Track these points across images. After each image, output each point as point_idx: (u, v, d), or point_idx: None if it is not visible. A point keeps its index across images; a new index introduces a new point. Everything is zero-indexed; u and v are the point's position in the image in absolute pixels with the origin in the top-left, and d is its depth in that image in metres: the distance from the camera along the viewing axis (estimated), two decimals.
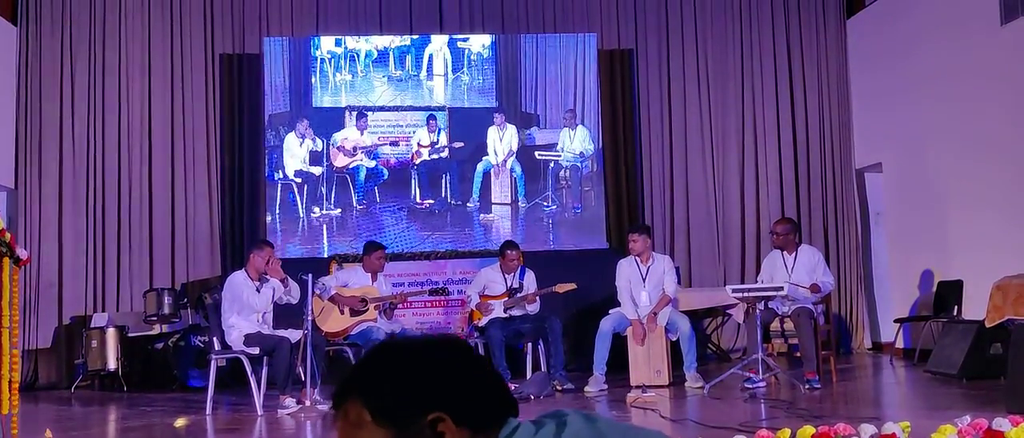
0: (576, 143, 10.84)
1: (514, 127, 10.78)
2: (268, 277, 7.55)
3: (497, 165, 10.75)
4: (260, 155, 10.47)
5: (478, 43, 10.91)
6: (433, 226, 10.70)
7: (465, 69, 10.88)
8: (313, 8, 10.79)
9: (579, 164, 10.82)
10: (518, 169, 10.76)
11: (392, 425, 1.37)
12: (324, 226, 10.56)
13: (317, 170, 10.54)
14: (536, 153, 10.82)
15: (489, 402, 1.42)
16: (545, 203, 10.79)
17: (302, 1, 10.77)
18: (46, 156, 10.18)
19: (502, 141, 10.77)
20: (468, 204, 10.74)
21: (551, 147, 10.85)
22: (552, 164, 10.81)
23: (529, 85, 10.91)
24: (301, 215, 10.56)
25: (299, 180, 10.54)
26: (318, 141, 10.53)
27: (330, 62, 10.70)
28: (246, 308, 7.45)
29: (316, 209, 10.53)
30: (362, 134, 10.62)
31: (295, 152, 10.52)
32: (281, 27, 10.72)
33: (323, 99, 10.66)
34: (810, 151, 11.13)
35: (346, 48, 10.76)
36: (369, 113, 10.66)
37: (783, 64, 11.20)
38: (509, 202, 10.79)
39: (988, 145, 8.81)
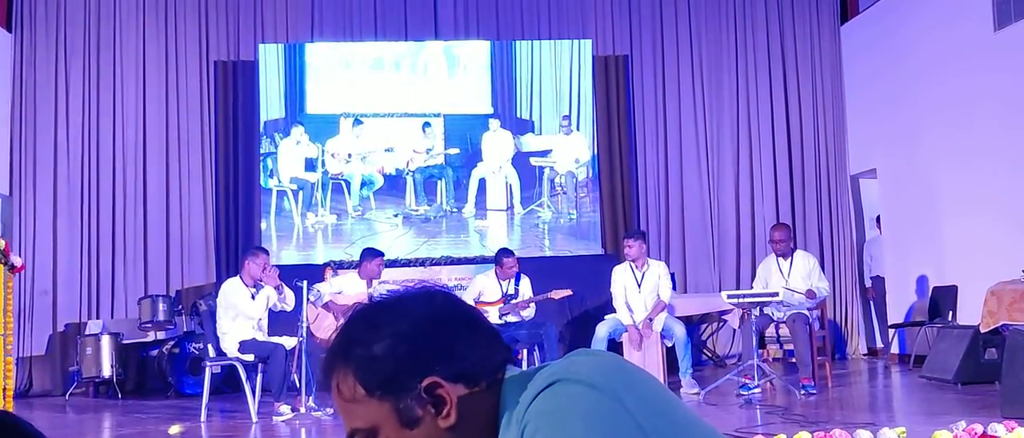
0: (571, 149, 10.81)
1: (509, 133, 10.75)
2: (263, 284, 7.54)
3: (492, 171, 10.73)
4: (255, 161, 10.46)
5: (473, 49, 10.89)
6: (428, 232, 10.64)
7: (460, 75, 10.83)
8: (308, 14, 10.79)
9: (574, 170, 10.79)
10: (513, 175, 10.73)
11: (388, 397, 1.34)
12: (319, 233, 10.52)
13: (312, 177, 10.50)
14: (531, 159, 10.78)
15: (480, 352, 1.38)
16: (540, 209, 10.77)
17: (297, 7, 10.77)
18: (41, 162, 10.15)
19: (497, 147, 10.74)
20: (464, 211, 10.70)
21: (546, 153, 10.82)
22: (547, 170, 10.78)
23: (524, 91, 10.88)
24: (296, 222, 10.51)
25: (294, 187, 10.51)
26: (313, 147, 10.50)
27: (325, 69, 10.68)
28: (241, 315, 7.44)
29: (311, 216, 10.49)
30: (357, 140, 10.60)
31: (290, 159, 10.48)
32: (276, 33, 10.71)
33: (318, 106, 10.62)
34: (805, 157, 11.14)
35: (341, 55, 10.73)
36: (364, 120, 10.63)
37: (777, 70, 11.21)
38: (504, 208, 10.76)
39: (982, 150, 8.83)
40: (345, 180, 10.58)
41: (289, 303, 7.63)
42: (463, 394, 1.34)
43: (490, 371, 1.37)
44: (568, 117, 10.84)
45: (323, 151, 10.52)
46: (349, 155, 10.58)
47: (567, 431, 1.22)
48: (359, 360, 1.35)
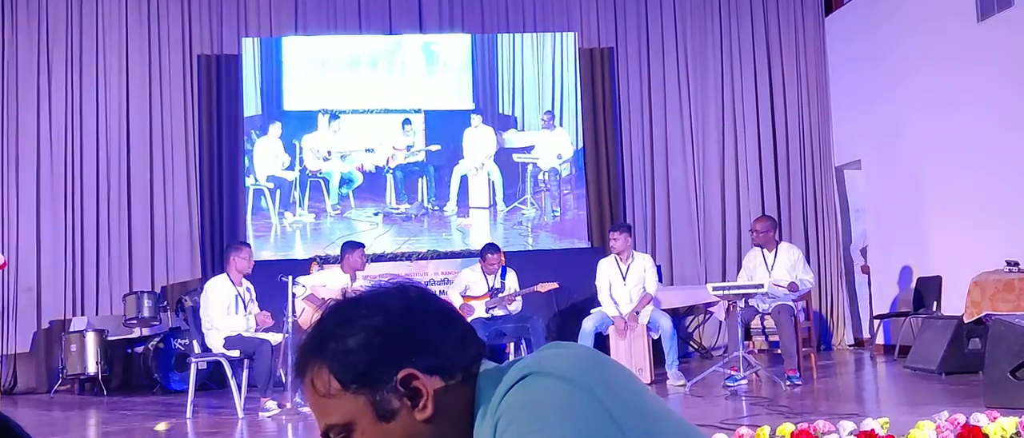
0: (554, 145, 10.66)
1: (491, 129, 10.63)
2: (249, 288, 7.56)
3: (474, 168, 10.58)
4: (239, 157, 10.36)
5: (454, 44, 10.75)
6: (409, 231, 10.41)
7: (440, 71, 10.67)
8: (292, 8, 10.73)
9: (558, 166, 10.63)
10: (496, 172, 10.59)
11: (364, 391, 1.33)
12: (297, 232, 10.28)
13: (289, 175, 10.28)
14: (514, 156, 10.64)
15: (455, 345, 1.38)
16: (523, 207, 10.62)
17: (280, 1, 10.71)
18: (23, 158, 10.09)
19: (479, 144, 10.60)
20: (445, 209, 10.52)
21: (529, 150, 10.66)
22: (530, 167, 10.64)
23: (507, 86, 10.73)
24: (273, 221, 10.24)
25: (271, 185, 10.25)
26: (291, 145, 10.29)
27: (302, 64, 10.48)
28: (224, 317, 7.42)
29: (288, 215, 10.26)
30: (335, 137, 10.41)
31: (266, 156, 10.24)
32: (259, 27, 10.65)
33: (295, 102, 10.41)
34: (790, 148, 11.18)
35: (318, 51, 10.53)
36: (343, 116, 10.46)
37: (762, 62, 11.24)
38: (487, 206, 10.58)
39: (966, 141, 8.88)
40: (323, 178, 10.38)
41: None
42: (439, 387, 1.34)
43: (465, 364, 1.37)
44: (551, 112, 10.71)
45: (300, 148, 10.32)
46: (328, 152, 10.38)
47: (540, 424, 1.22)
48: (334, 354, 1.34)
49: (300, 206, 10.32)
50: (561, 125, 10.72)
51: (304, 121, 10.44)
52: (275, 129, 10.36)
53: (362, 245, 8.39)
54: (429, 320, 1.38)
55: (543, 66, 10.75)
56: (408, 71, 10.64)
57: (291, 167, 10.32)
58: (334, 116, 10.47)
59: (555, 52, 10.75)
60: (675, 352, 8.11)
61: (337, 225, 10.30)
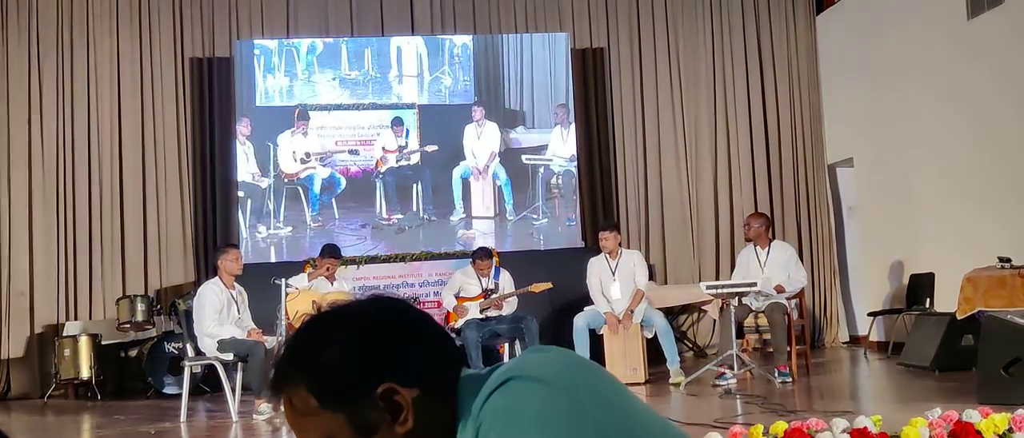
0: (569, 144, 9.89)
1: (496, 126, 9.95)
2: (241, 292, 7.54)
3: (477, 171, 9.83)
4: (231, 160, 10.24)
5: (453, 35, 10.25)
6: (403, 244, 9.44)
7: (437, 62, 9.87)
8: (283, 11, 10.70)
9: (573, 168, 9.79)
10: (502, 175, 9.77)
11: (342, 407, 1.31)
12: (272, 248, 9.37)
13: (263, 182, 9.42)
14: (523, 157, 9.83)
15: (433, 355, 1.36)
16: (535, 215, 9.77)
17: (272, 4, 10.69)
18: (15, 163, 10.06)
19: (482, 142, 9.85)
20: (444, 218, 9.60)
21: (541, 150, 9.81)
22: (541, 169, 9.82)
23: (513, 77, 9.91)
24: (245, 235, 9.35)
25: (241, 194, 9.42)
26: (263, 147, 9.52)
27: (280, 59, 9.73)
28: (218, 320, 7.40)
29: (262, 228, 9.37)
30: (316, 138, 9.60)
31: (238, 160, 9.47)
32: (251, 30, 10.62)
33: (268, 97, 9.56)
34: (782, 147, 11.21)
35: (296, 43, 9.87)
36: (324, 113, 9.66)
37: (754, 60, 11.26)
38: (492, 215, 9.69)
39: (957, 138, 8.90)
40: (302, 184, 9.49)
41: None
42: (419, 398, 1.32)
43: (444, 373, 1.36)
44: (565, 106, 9.88)
45: (275, 150, 9.49)
46: (306, 154, 9.44)
47: (521, 428, 1.22)
48: (311, 371, 1.32)
49: (275, 217, 9.43)
50: (575, 121, 9.93)
51: (278, 118, 9.56)
52: (243, 127, 9.48)
53: (337, 256, 8.20)
54: (406, 331, 1.36)
55: (556, 55, 10.04)
56: (402, 64, 9.80)
57: (265, 172, 9.45)
58: (310, 113, 9.61)
59: (553, 52, 10.35)
60: (673, 349, 8.13)
61: (318, 239, 9.20)
